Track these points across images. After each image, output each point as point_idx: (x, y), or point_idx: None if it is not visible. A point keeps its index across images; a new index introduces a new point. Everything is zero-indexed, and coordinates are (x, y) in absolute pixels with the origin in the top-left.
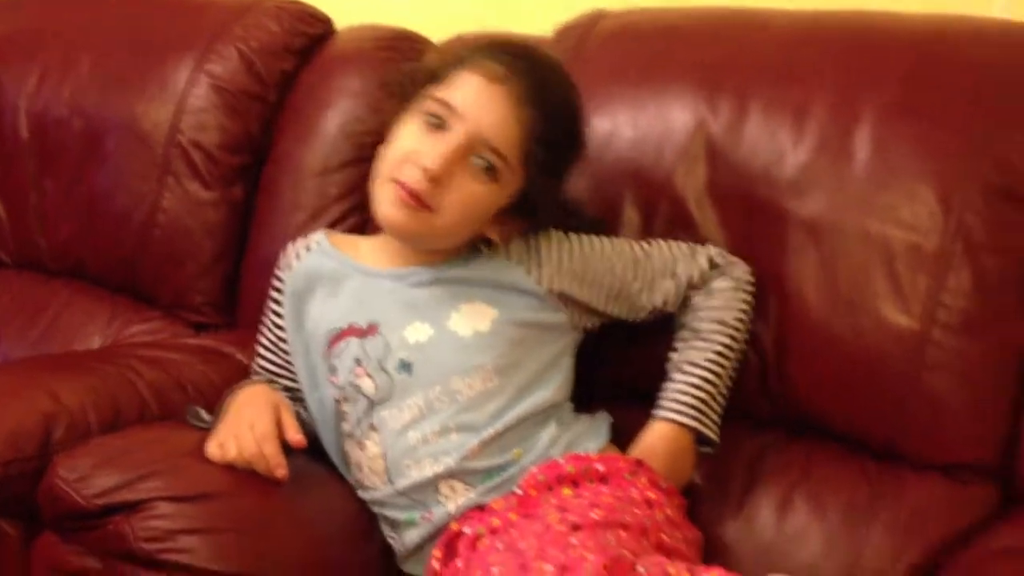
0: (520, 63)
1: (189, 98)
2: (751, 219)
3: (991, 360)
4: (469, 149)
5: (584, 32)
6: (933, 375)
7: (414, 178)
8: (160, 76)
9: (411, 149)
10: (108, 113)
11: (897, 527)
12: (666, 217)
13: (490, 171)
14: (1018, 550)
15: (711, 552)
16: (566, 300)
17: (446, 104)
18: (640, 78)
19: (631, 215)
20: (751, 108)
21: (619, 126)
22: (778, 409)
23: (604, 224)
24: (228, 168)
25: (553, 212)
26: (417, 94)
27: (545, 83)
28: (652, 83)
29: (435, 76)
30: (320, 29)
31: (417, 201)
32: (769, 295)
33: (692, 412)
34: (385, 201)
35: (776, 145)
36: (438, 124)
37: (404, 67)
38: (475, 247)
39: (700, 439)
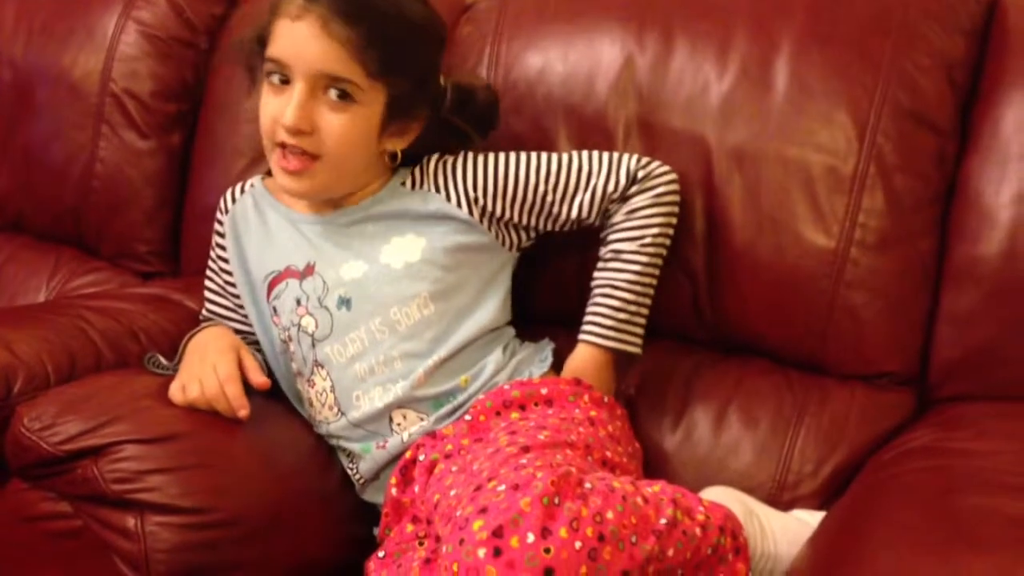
0: None
1: (119, 46)
2: (679, 150)
3: (904, 276)
4: (313, 90)
5: None
6: (852, 291)
7: (287, 139)
8: (87, 24)
9: (273, 112)
10: (37, 63)
11: (822, 434)
12: (598, 150)
13: (345, 96)
14: (929, 448)
15: (653, 464)
16: (489, 218)
17: (273, 60)
18: (569, 14)
19: (564, 149)
20: (676, 42)
21: (550, 62)
22: (710, 328)
23: (496, 107)
24: (163, 116)
25: (436, 103)
26: (258, 60)
27: None
28: (581, 19)
29: (262, 37)
30: None
31: (300, 162)
32: (698, 221)
33: (613, 334)
34: (277, 171)
35: (701, 77)
36: (281, 80)
37: (240, 39)
38: (398, 181)
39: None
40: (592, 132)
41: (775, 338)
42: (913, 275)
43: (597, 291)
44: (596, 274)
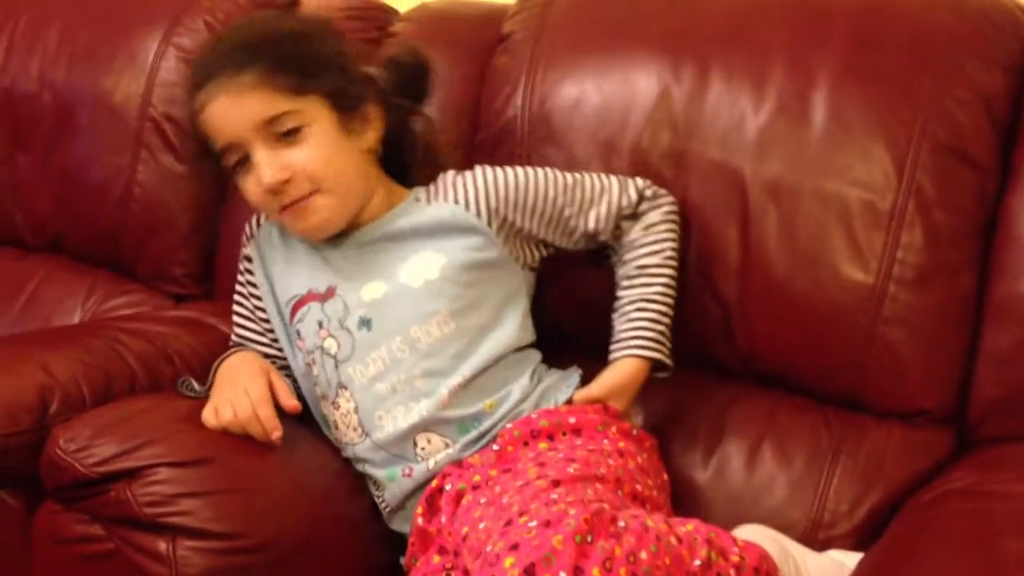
0: (210, 67)
1: (159, 71)
2: (714, 182)
3: (944, 312)
4: (266, 143)
5: (547, 1)
6: (890, 328)
7: (279, 200)
8: (128, 49)
9: (255, 188)
10: (78, 87)
11: (858, 473)
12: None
13: (293, 131)
14: (969, 490)
15: (684, 499)
16: (506, 229)
17: (224, 149)
18: (604, 46)
19: None
20: (712, 74)
21: (585, 93)
22: (744, 362)
23: (423, 62)
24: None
25: (373, 87)
26: (218, 166)
27: (235, 48)
28: (616, 51)
29: (207, 143)
30: None
31: (305, 205)
32: (732, 254)
33: (654, 345)
34: (293, 227)
35: (737, 110)
36: (240, 161)
37: (201, 157)
38: (413, 198)
39: (657, 366)
40: (626, 163)
41: (811, 373)
42: (953, 312)
43: (629, 307)
44: (622, 292)
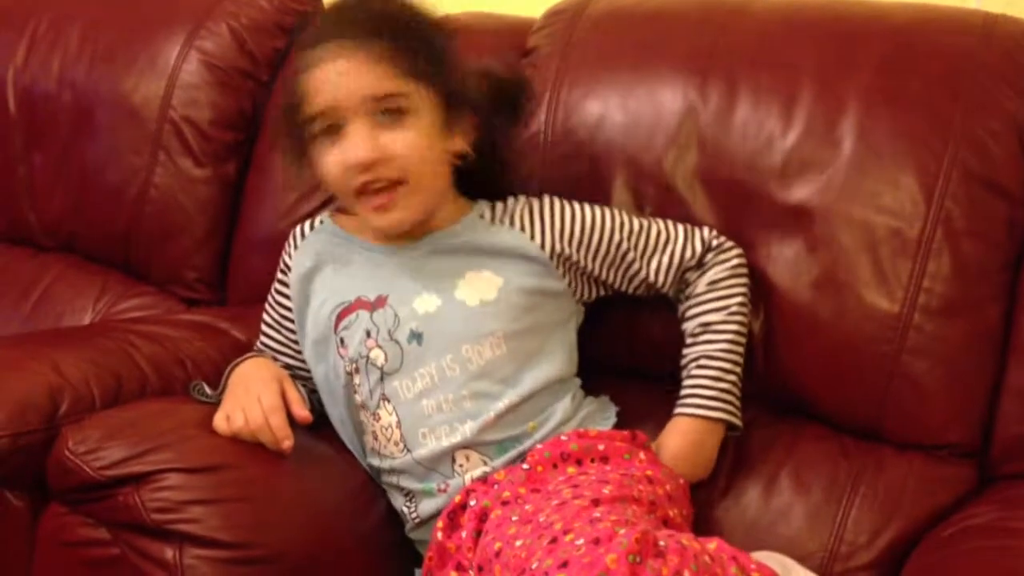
0: (332, 28)
1: (180, 74)
2: (739, 204)
3: (969, 345)
4: (366, 119)
5: (573, 16)
6: (914, 358)
7: (365, 178)
8: (150, 51)
9: (338, 161)
10: (98, 87)
11: (877, 504)
12: (655, 201)
13: (400, 112)
14: (991, 526)
15: (700, 527)
16: (567, 264)
17: (320, 114)
18: (630, 63)
19: (621, 198)
20: (740, 95)
21: (610, 110)
22: (764, 388)
23: (524, 83)
24: (220, 145)
25: (478, 92)
26: (303, 129)
27: (365, 17)
28: (642, 68)
29: (299, 104)
30: (310, 7)
31: (387, 195)
32: (756, 278)
33: (718, 404)
34: (370, 216)
35: (765, 132)
36: (334, 130)
37: (279, 118)
38: (477, 214)
39: (727, 425)
40: (650, 183)
41: (831, 401)
42: (979, 344)
43: (692, 364)
44: (687, 350)
